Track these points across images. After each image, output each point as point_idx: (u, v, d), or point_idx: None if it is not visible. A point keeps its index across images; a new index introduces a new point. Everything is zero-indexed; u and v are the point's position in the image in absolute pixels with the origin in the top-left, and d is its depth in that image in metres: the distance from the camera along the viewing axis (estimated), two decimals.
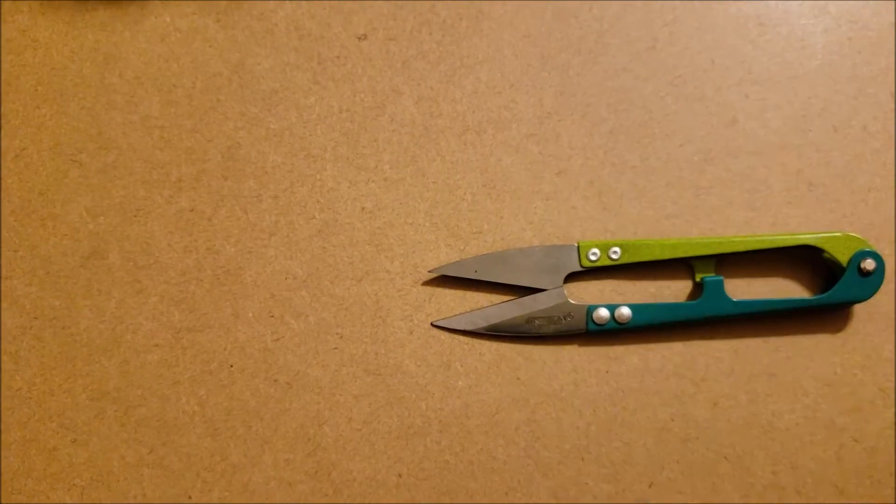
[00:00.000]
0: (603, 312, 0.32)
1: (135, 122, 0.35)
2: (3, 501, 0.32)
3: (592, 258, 0.33)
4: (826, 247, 0.32)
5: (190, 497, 0.32)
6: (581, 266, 0.33)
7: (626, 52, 0.36)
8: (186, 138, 0.35)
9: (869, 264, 0.32)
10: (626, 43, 0.36)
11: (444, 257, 0.34)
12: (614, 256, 0.33)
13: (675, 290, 0.34)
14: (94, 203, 0.35)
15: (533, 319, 0.33)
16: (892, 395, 0.32)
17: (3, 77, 0.36)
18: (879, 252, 0.33)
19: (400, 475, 0.32)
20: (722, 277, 0.33)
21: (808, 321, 0.33)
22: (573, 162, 0.35)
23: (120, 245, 0.34)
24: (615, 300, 0.34)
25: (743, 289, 0.34)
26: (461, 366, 0.33)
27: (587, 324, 0.32)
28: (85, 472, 0.32)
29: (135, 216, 0.34)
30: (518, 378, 0.33)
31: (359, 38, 0.36)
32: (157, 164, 0.35)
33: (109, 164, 0.35)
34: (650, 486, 0.32)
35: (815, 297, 0.33)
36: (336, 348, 0.33)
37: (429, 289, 0.34)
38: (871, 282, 0.32)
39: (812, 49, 0.36)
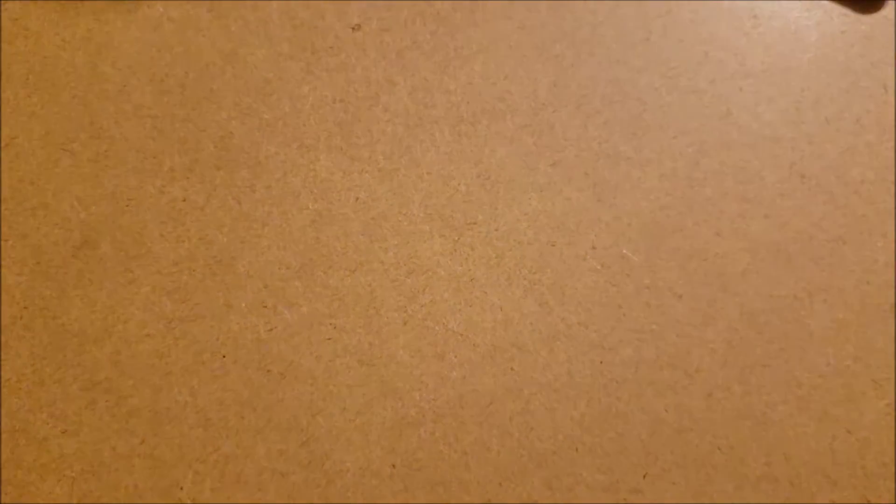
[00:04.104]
0: None
1: (127, 111, 0.35)
2: None
3: None
4: None
5: (181, 488, 0.31)
6: None
7: (621, 44, 0.36)
8: (179, 128, 0.35)
9: None
10: (620, 35, 0.36)
11: (437, 248, 0.34)
12: None
13: None
14: (85, 192, 0.34)
15: None
16: (885, 387, 0.32)
17: None
18: (872, 244, 0.33)
19: (394, 466, 0.32)
20: None
21: (801, 313, 0.33)
22: (567, 153, 0.35)
23: (112, 235, 0.34)
24: None
25: None
26: (455, 356, 0.33)
27: None
28: (76, 463, 0.32)
29: (127, 206, 0.34)
30: (512, 369, 0.33)
31: (353, 29, 0.36)
32: (149, 154, 0.35)
33: (101, 154, 0.35)
34: (644, 477, 0.32)
35: None
36: (329, 339, 0.33)
37: (422, 279, 0.34)
38: None
39: (805, 42, 0.36)
